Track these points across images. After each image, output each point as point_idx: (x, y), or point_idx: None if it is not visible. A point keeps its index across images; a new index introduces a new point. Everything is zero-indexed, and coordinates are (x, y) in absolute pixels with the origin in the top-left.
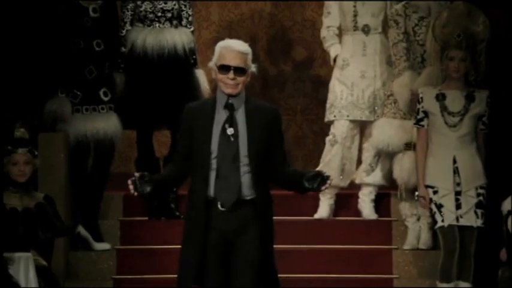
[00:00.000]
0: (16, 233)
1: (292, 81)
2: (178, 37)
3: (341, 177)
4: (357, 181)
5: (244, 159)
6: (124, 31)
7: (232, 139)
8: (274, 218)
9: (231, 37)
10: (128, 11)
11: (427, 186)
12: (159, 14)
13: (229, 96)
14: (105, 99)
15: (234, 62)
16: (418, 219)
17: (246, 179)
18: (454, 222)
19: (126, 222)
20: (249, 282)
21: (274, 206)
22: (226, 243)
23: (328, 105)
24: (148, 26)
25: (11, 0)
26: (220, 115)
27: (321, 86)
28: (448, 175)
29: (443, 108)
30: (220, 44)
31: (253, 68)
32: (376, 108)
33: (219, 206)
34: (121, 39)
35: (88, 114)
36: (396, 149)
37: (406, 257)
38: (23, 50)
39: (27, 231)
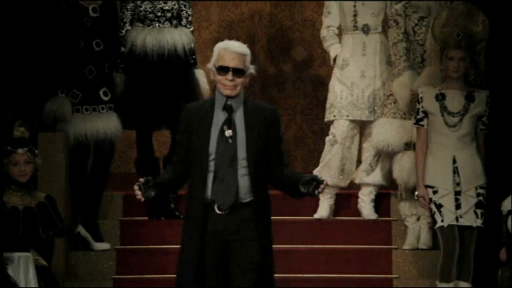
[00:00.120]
0: (17, 231)
1: (292, 81)
2: (178, 37)
3: (341, 177)
4: (357, 181)
5: (242, 161)
6: (124, 31)
7: (230, 141)
8: (274, 218)
9: (230, 37)
10: (127, 11)
11: (427, 186)
12: (159, 14)
13: (228, 97)
14: (105, 99)
15: (232, 63)
16: (418, 219)
17: (244, 181)
18: (454, 222)
19: (126, 222)
20: (247, 285)
21: (275, 206)
22: (224, 246)
23: (328, 105)
24: (148, 26)
25: (12, 0)
26: (219, 117)
27: (320, 86)
28: (447, 175)
29: (443, 108)
30: (219, 45)
31: (252, 69)
32: (375, 108)
33: (216, 209)
34: (121, 39)
35: (88, 114)
36: (396, 149)
37: (406, 257)
38: (23, 49)
39: (28, 230)
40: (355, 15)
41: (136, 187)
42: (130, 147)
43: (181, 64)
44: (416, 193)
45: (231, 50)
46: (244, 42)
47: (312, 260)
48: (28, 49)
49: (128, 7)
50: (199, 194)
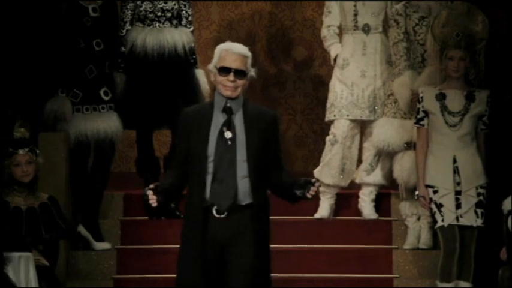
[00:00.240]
0: (20, 231)
1: (293, 80)
2: (178, 37)
3: (341, 176)
4: (357, 181)
5: (241, 163)
6: (124, 31)
7: (229, 143)
8: (274, 218)
9: (231, 36)
10: (127, 11)
11: (427, 186)
12: (159, 13)
13: (228, 99)
14: (106, 98)
15: (234, 64)
16: (419, 218)
17: (243, 183)
18: (454, 222)
19: (127, 222)
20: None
21: (275, 206)
22: (223, 250)
23: (328, 105)
24: (149, 25)
25: (12, 0)
26: (218, 118)
27: (321, 86)
28: (448, 175)
29: (444, 108)
30: (221, 47)
31: (252, 72)
32: (376, 107)
33: (214, 212)
34: (121, 39)
35: (88, 113)
36: (396, 148)
37: (407, 257)
38: (24, 49)
39: (31, 230)
40: (355, 15)
41: (150, 192)
42: (131, 146)
43: (181, 64)
44: (417, 193)
45: (234, 51)
46: (244, 42)
47: (312, 259)
48: (28, 49)
49: (128, 7)
50: (198, 196)
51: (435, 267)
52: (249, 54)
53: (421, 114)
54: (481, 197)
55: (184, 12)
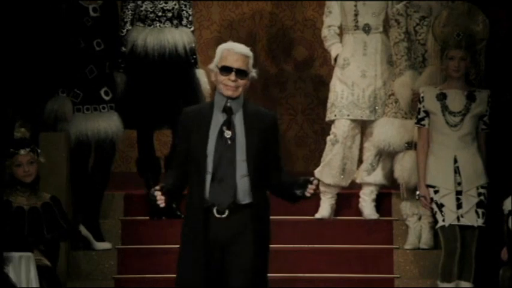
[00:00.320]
0: (22, 231)
1: (293, 80)
2: (179, 37)
3: (342, 176)
4: (358, 181)
5: (241, 163)
6: (124, 31)
7: (229, 142)
8: (275, 218)
9: (231, 37)
10: (128, 11)
11: (428, 186)
12: (160, 13)
13: (229, 98)
14: (106, 98)
15: (236, 64)
16: (419, 218)
17: (242, 183)
18: (455, 222)
19: (127, 222)
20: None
21: (275, 206)
22: (223, 250)
23: (329, 105)
24: (149, 25)
25: (12, 0)
26: (218, 118)
27: (321, 86)
28: (449, 175)
29: (444, 108)
30: (223, 46)
31: (253, 72)
32: (376, 107)
33: (215, 212)
34: (121, 38)
35: (89, 113)
36: (397, 148)
37: (407, 257)
38: (24, 49)
39: (33, 230)
40: (356, 15)
41: (159, 193)
42: (131, 146)
43: (182, 64)
44: (418, 193)
45: (235, 51)
46: (245, 42)
47: (312, 259)
48: (29, 49)
49: (129, 7)
50: (198, 195)
51: (436, 267)
52: (250, 54)
53: (422, 114)
54: (482, 197)
55: (184, 12)
